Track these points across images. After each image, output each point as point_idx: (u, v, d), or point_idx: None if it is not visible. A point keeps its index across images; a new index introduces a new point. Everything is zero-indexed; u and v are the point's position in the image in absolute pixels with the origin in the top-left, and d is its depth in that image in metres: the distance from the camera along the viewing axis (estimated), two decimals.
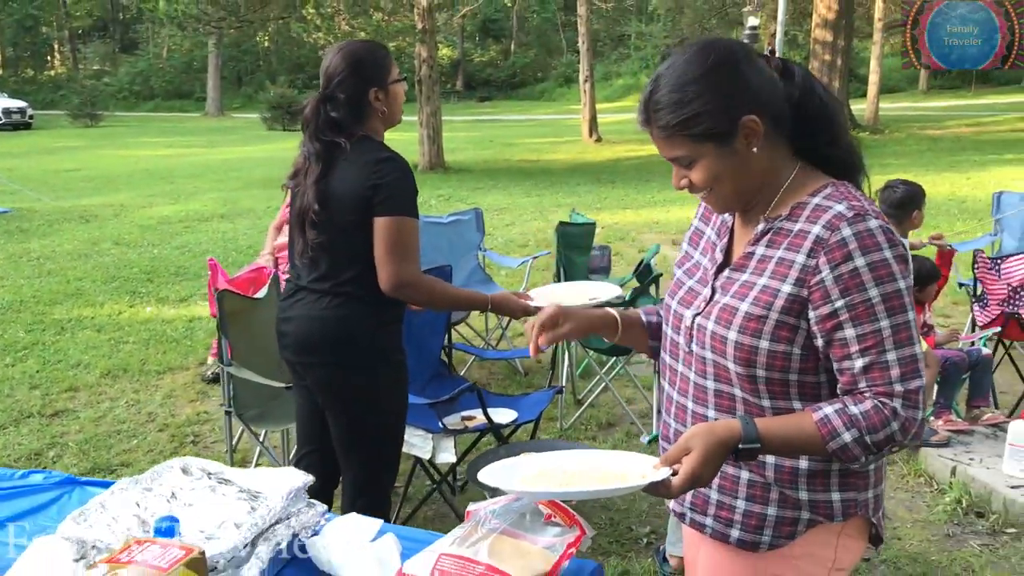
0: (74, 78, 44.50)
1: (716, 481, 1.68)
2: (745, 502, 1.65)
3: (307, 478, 1.80)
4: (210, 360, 5.70)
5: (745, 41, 1.57)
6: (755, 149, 1.55)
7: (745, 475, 1.65)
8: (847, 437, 1.50)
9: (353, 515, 1.80)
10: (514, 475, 1.64)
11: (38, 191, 14.14)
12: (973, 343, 5.00)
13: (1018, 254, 5.41)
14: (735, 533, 1.67)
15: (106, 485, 1.86)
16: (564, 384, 5.03)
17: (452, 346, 4.45)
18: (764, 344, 1.57)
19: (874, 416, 1.50)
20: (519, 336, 6.38)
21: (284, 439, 4.42)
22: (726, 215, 1.74)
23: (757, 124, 1.53)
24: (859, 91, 29.98)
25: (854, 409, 1.51)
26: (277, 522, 1.70)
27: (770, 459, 1.62)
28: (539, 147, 22.44)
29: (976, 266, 5.34)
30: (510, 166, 18.77)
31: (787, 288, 1.55)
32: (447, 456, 3.58)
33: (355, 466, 2.83)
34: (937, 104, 34.84)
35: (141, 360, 6.04)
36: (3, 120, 31.54)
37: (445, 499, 3.80)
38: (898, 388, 1.49)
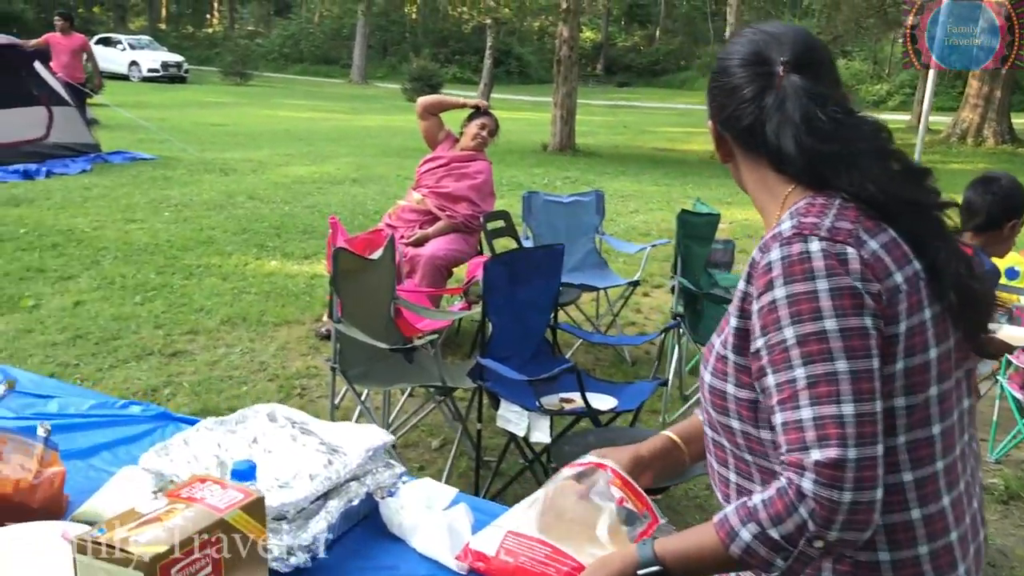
0: (229, 37, 46.43)
1: None
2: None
3: (388, 438, 1.78)
4: (325, 318, 5.82)
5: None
6: (738, 158, 1.42)
7: None
8: (746, 535, 1.20)
9: (428, 480, 1.77)
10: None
11: (185, 142, 14.73)
12: None
13: None
14: None
15: (196, 423, 1.88)
16: (671, 377, 4.90)
17: (558, 326, 4.37)
18: (731, 389, 1.32)
19: (778, 501, 1.18)
20: (630, 325, 6.27)
21: (385, 401, 4.47)
22: None
23: (720, 131, 1.42)
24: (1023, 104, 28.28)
25: (756, 498, 1.21)
26: (353, 478, 1.69)
27: None
28: (674, 136, 22.06)
29: None
30: (642, 153, 18.49)
31: (734, 321, 1.31)
32: (541, 436, 3.52)
33: None
34: None
35: (260, 311, 6.22)
36: (161, 72, 33.08)
37: (536, 478, 3.76)
38: (811, 457, 1.16)
